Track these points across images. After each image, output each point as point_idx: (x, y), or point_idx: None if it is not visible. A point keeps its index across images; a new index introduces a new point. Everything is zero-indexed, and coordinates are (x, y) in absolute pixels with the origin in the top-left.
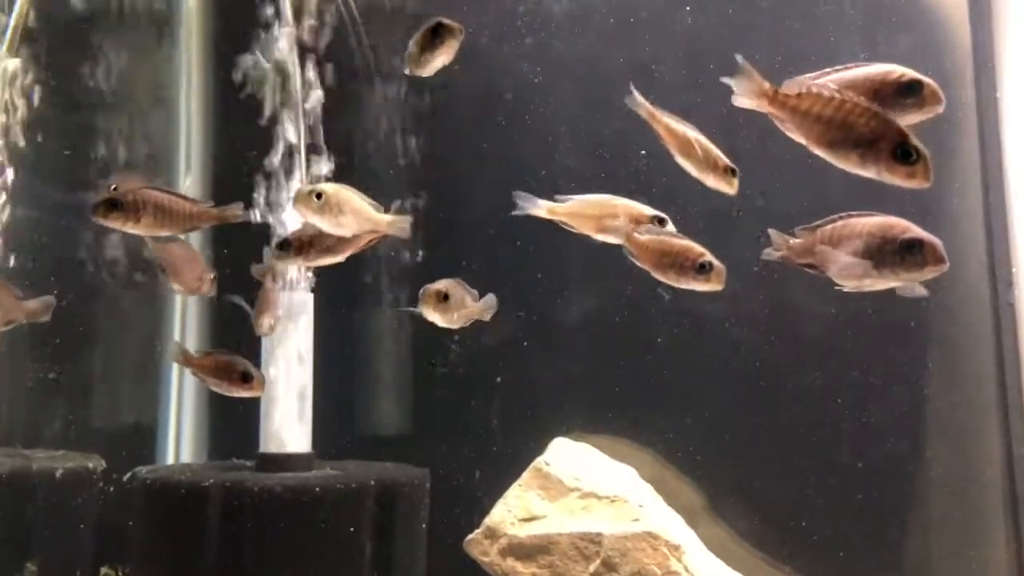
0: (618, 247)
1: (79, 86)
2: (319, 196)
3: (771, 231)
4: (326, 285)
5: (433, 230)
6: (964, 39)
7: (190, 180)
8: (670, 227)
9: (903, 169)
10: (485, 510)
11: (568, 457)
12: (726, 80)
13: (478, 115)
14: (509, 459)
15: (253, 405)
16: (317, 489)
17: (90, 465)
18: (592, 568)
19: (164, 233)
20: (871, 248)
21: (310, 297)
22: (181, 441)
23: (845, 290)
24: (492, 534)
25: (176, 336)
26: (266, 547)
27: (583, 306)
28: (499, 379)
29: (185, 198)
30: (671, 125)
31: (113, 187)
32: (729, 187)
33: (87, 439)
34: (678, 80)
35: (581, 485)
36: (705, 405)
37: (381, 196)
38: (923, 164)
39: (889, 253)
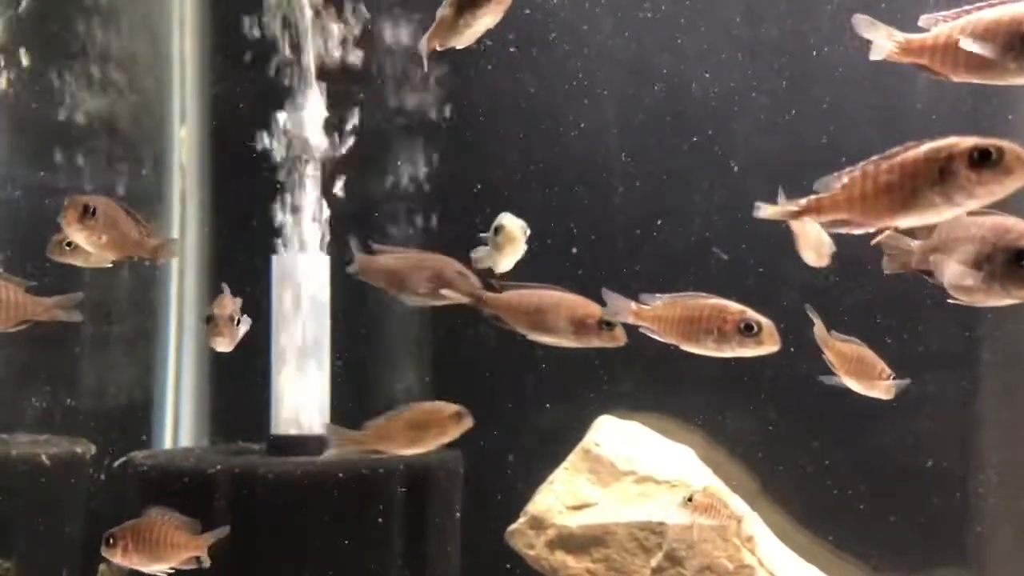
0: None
1: (64, 30)
2: (91, 213)
3: (886, 236)
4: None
5: (462, 195)
6: None
7: (185, 131)
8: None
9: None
10: (520, 496)
11: (618, 437)
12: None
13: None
14: (546, 439)
15: (260, 383)
16: (340, 474)
17: (78, 450)
18: (654, 562)
19: (109, 256)
20: (982, 257)
21: (326, 261)
22: (180, 423)
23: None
24: (538, 524)
25: (173, 307)
26: (283, 540)
27: (628, 274)
28: (536, 351)
29: (136, 219)
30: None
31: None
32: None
33: (74, 422)
34: None
35: (636, 468)
36: (759, 381)
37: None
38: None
39: (1000, 264)
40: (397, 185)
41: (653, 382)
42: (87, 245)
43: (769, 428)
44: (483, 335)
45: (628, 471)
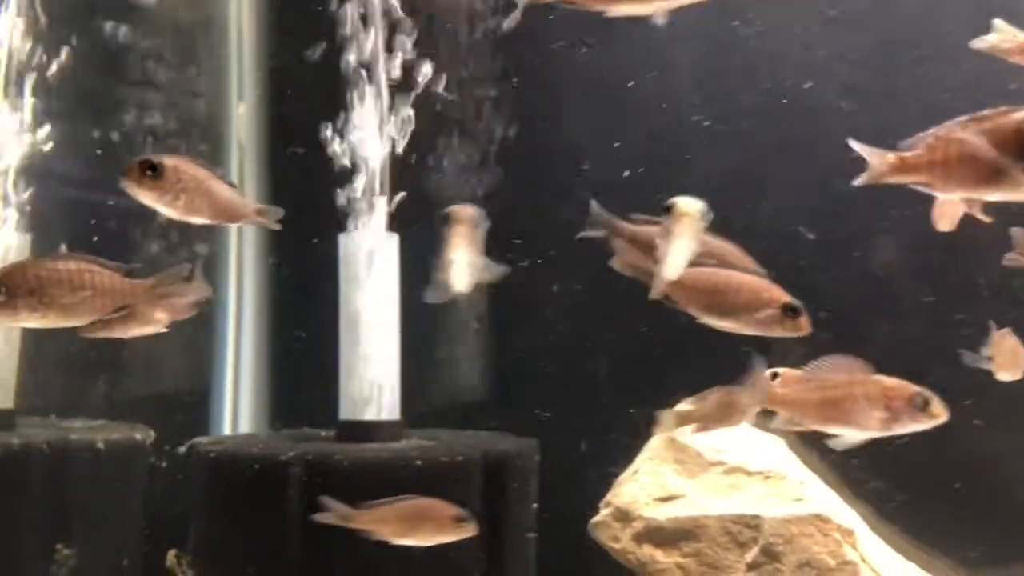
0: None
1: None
2: (153, 169)
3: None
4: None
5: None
6: None
7: (243, 108)
8: None
9: None
10: (595, 487)
11: None
12: None
13: None
14: (619, 428)
15: (320, 368)
16: (418, 462)
17: (138, 436)
18: (749, 557)
19: (196, 221)
20: None
21: (395, 241)
22: (239, 409)
23: None
24: (624, 516)
25: (231, 290)
26: (358, 531)
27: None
28: (607, 336)
29: (230, 184)
30: None
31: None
32: None
33: (133, 408)
34: None
35: (724, 458)
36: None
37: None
38: None
39: None
40: (467, 159)
41: (724, 368)
42: (160, 208)
43: None
44: (550, 319)
45: (716, 461)
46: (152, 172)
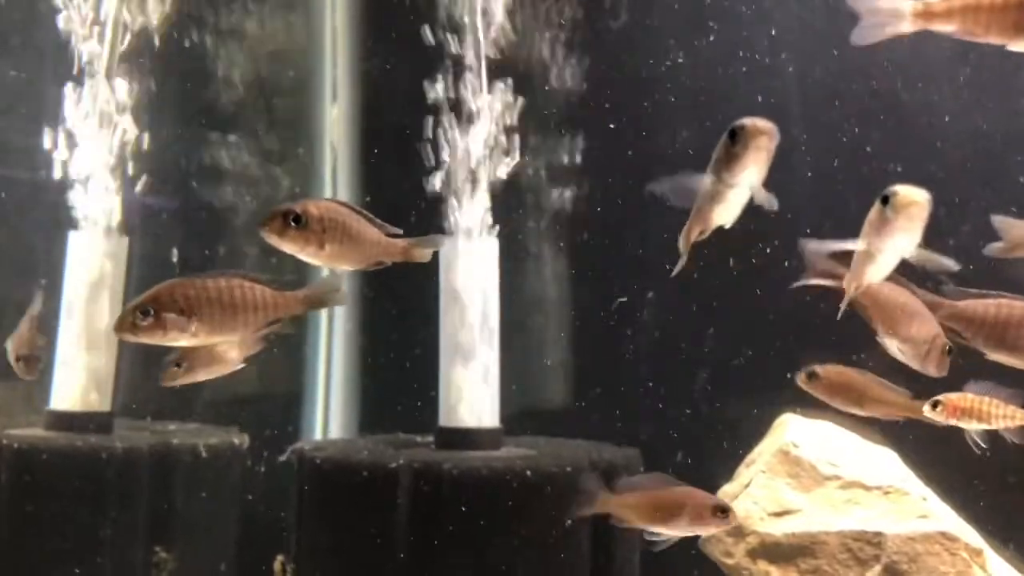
0: None
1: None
2: (297, 220)
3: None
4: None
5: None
6: None
7: (336, 111)
8: None
9: None
10: None
11: (815, 438)
12: None
13: None
14: (718, 438)
15: (410, 374)
16: (528, 472)
17: (235, 441)
18: (871, 575)
19: (344, 267)
20: None
21: (495, 246)
22: (329, 414)
23: None
24: (737, 531)
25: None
26: (468, 540)
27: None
28: (705, 347)
29: (374, 222)
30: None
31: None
32: None
33: (225, 412)
34: None
35: (840, 472)
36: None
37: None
38: None
39: None
40: (559, 164)
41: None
42: (305, 257)
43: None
44: (645, 326)
45: (832, 475)
46: (296, 223)
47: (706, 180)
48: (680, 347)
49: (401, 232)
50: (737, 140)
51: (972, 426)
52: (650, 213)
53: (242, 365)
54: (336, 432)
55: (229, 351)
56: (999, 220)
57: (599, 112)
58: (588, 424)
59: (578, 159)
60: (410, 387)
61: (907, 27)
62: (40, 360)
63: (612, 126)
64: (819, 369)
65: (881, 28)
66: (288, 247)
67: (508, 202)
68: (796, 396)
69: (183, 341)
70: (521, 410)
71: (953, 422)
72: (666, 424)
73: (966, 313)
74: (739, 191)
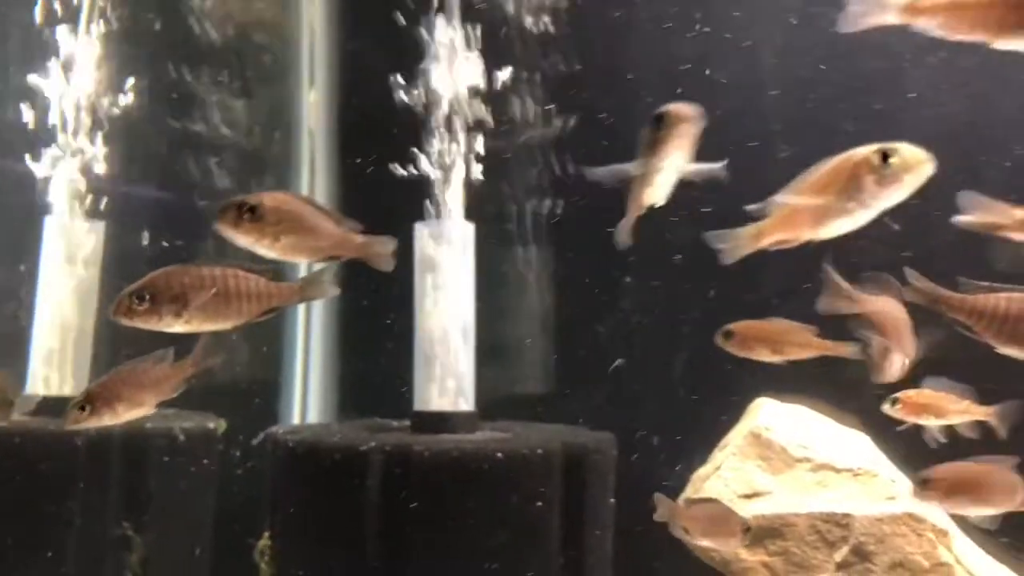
0: None
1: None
2: (252, 211)
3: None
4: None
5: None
6: None
7: (314, 95)
8: None
9: None
10: (670, 482)
11: (787, 421)
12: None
13: None
14: (693, 422)
15: (387, 359)
16: (499, 455)
17: (211, 425)
18: (838, 556)
19: (298, 260)
20: None
21: (471, 229)
22: (307, 399)
23: None
24: None
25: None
26: (438, 522)
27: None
28: (684, 329)
29: (332, 216)
30: None
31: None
32: None
33: (203, 397)
34: None
35: (811, 455)
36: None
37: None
38: None
39: None
40: (538, 147)
41: (807, 364)
42: (259, 250)
43: None
44: (625, 314)
45: (802, 458)
46: (251, 214)
47: (636, 165)
48: (658, 332)
49: (361, 227)
50: (661, 126)
51: (930, 422)
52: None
53: (153, 411)
54: (314, 418)
55: (145, 395)
56: (966, 197)
57: (578, 97)
58: (568, 409)
59: (558, 141)
60: (387, 373)
61: (892, 19)
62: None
63: (592, 109)
64: (732, 326)
65: (867, 17)
66: (242, 240)
67: (485, 187)
68: (773, 380)
69: (177, 327)
70: (503, 396)
71: (911, 419)
72: (645, 409)
73: (976, 307)
74: (666, 174)
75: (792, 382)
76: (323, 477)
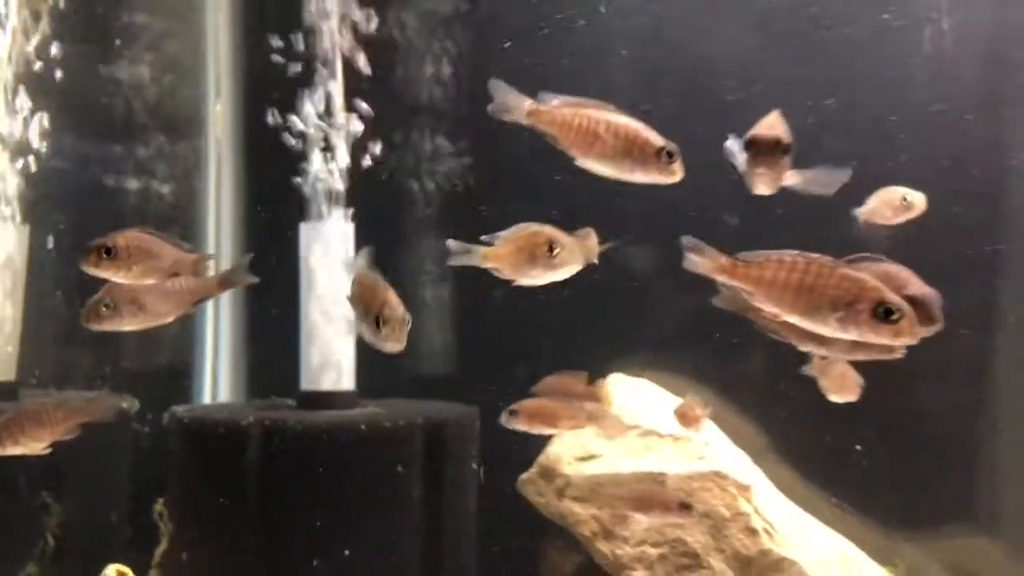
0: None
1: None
2: (109, 251)
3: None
4: (364, 214)
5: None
6: None
7: (220, 107)
8: None
9: (888, 328)
10: (537, 450)
11: (627, 393)
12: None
13: None
14: None
15: (293, 342)
16: (363, 427)
17: (124, 406)
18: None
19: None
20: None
21: (351, 228)
22: (218, 381)
23: None
24: (547, 474)
25: (211, 272)
26: (309, 488)
27: (640, 237)
28: (550, 314)
29: (180, 246)
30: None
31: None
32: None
33: (120, 380)
34: None
35: (641, 422)
36: (769, 341)
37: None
38: (907, 320)
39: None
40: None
41: (667, 341)
42: (119, 280)
43: (779, 387)
44: (503, 297)
45: (633, 425)
46: (107, 254)
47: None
48: (528, 315)
49: (211, 255)
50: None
51: (543, 431)
52: (512, 186)
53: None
54: (224, 398)
55: (41, 432)
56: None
57: (468, 97)
58: (449, 388)
59: (448, 138)
60: (288, 356)
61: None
62: None
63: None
64: (516, 406)
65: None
66: (104, 274)
67: (375, 180)
68: (635, 358)
69: (133, 326)
70: (390, 376)
71: (523, 428)
72: (513, 386)
73: (752, 274)
74: None
75: (654, 357)
76: (209, 448)
